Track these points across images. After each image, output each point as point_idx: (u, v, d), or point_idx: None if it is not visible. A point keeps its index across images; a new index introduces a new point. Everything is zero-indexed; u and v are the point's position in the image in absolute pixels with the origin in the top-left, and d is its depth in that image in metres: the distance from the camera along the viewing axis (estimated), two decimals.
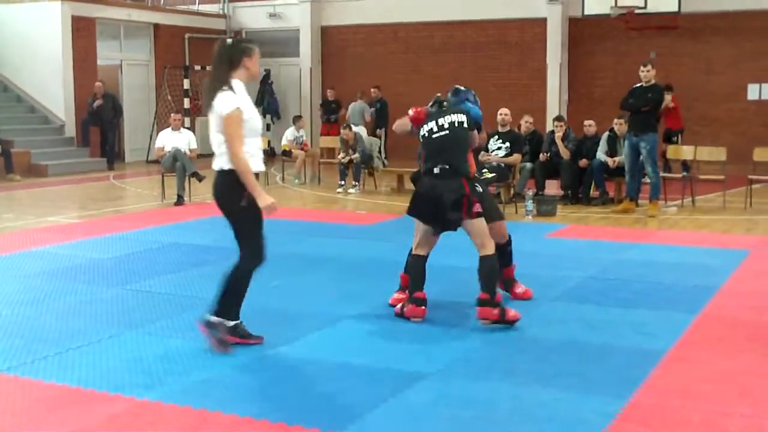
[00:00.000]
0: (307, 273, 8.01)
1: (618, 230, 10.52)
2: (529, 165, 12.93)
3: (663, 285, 7.47)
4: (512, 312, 6.17)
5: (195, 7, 23.09)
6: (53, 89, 19.17)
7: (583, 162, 12.75)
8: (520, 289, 7.08)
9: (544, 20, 19.73)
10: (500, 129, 12.41)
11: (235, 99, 5.42)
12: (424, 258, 6.52)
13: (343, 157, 14.89)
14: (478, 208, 6.25)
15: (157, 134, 14.63)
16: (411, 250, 6.75)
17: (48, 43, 18.98)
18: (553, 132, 13.20)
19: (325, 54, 22.37)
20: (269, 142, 19.19)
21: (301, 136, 16.56)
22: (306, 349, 5.65)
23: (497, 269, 6.32)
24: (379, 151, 15.53)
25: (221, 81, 5.50)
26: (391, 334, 6.04)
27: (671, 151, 14.20)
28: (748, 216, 11.53)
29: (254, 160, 5.48)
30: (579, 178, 12.84)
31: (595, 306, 6.77)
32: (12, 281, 7.69)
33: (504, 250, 6.93)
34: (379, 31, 21.57)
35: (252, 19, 23.15)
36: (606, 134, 12.72)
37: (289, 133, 16.45)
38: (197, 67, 21.40)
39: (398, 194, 14.10)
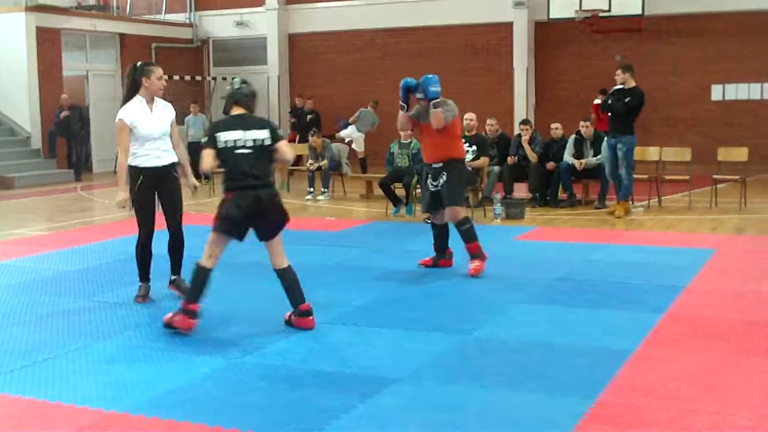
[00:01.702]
0: (276, 280, 7.96)
1: (585, 232, 10.60)
2: (497, 168, 13.00)
3: (630, 285, 7.54)
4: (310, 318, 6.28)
5: (161, 17, 23.01)
6: (19, 101, 19.02)
7: (550, 165, 12.83)
8: (473, 264, 8.02)
9: (510, 24, 19.86)
10: (466, 133, 12.45)
11: (121, 111, 6.95)
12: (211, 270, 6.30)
13: (311, 164, 14.89)
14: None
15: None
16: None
17: (13, 55, 18.83)
18: (520, 135, 13.28)
19: (293, 62, 22.37)
20: None
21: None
22: (274, 357, 5.64)
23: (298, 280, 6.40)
24: (347, 158, 15.53)
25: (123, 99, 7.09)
26: (360, 340, 6.04)
27: (638, 151, 14.29)
28: (713, 215, 11.65)
29: (145, 158, 6.97)
30: (546, 180, 12.93)
31: (563, 307, 6.82)
32: None
33: (459, 229, 8.09)
34: (346, 38, 21.61)
35: (218, 27, 23.11)
36: (572, 137, 12.82)
37: None
38: (164, 77, 21.25)
39: (367, 200, 14.12)
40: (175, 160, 7.20)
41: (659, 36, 18.57)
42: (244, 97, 6.40)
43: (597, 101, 15.89)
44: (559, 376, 5.17)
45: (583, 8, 17.94)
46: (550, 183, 12.91)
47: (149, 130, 6.97)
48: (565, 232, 10.64)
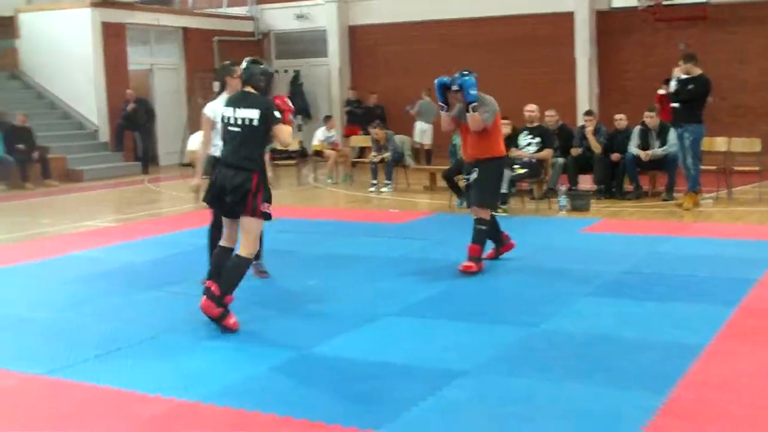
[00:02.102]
0: (342, 272, 8.04)
1: (652, 224, 10.45)
2: (561, 160, 12.87)
3: (699, 278, 7.42)
4: (233, 320, 6.10)
5: (223, 10, 23.21)
6: (86, 95, 19.35)
7: (615, 156, 12.67)
8: (464, 263, 7.76)
9: (571, 14, 19.62)
10: (528, 125, 12.36)
11: (207, 106, 7.47)
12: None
13: (374, 156, 14.91)
14: (264, 207, 6.19)
15: (190, 137, 14.71)
16: None
17: (80, 50, 19.16)
18: (583, 127, 13.14)
19: (354, 53, 22.41)
20: (301, 142, 19.26)
21: (332, 136, 16.61)
22: (343, 348, 5.68)
23: (242, 275, 6.19)
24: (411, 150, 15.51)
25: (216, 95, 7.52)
26: (427, 332, 6.05)
27: (706, 141, 14.05)
28: None
29: (219, 149, 6.88)
30: (612, 172, 12.77)
31: (631, 300, 6.73)
32: (51, 286, 7.79)
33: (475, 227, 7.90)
34: (407, 29, 21.55)
35: (279, 20, 23.23)
36: (637, 127, 12.63)
37: (320, 134, 16.52)
38: None
39: (431, 192, 14.09)
40: None
41: (724, 23, 18.17)
42: (251, 76, 6.32)
43: (661, 91, 15.62)
44: (629, 370, 5.12)
45: None
46: (615, 174, 12.75)
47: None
48: (631, 224, 10.51)
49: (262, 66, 6.41)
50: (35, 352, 5.79)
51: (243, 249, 6.16)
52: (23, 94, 19.70)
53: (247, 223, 6.14)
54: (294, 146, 18.40)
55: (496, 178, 8.18)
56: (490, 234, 8.10)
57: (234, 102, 6.28)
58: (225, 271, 6.14)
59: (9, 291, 7.66)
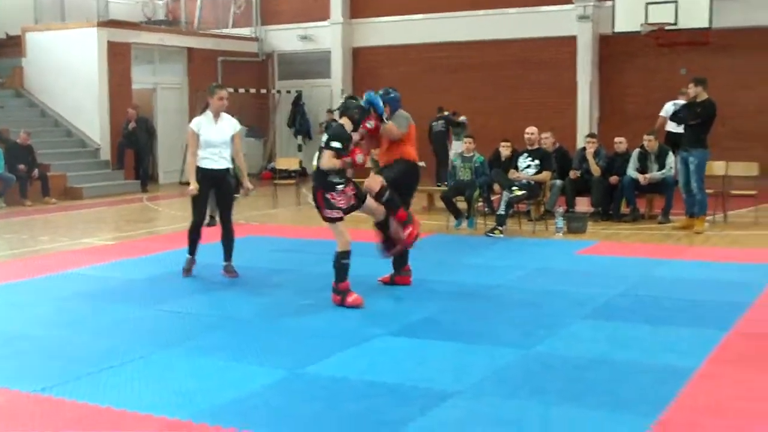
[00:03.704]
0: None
1: (648, 247, 10.48)
2: (559, 182, 12.92)
3: (693, 301, 7.44)
4: (352, 298, 7.35)
5: (228, 31, 23.36)
6: (89, 113, 19.46)
7: (613, 178, 12.72)
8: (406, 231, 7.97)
9: (574, 38, 19.73)
10: (528, 147, 12.41)
11: (192, 121, 8.71)
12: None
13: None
14: (328, 214, 7.44)
15: None
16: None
17: (84, 68, 19.29)
18: (584, 149, 13.19)
19: (357, 75, 22.52)
20: (301, 162, 19.31)
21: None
22: (335, 368, 5.68)
23: (341, 265, 7.43)
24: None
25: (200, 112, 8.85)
26: (421, 353, 6.06)
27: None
28: None
29: (205, 161, 8.58)
30: (609, 194, 12.81)
31: (625, 323, 6.74)
32: (47, 303, 7.81)
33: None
34: (411, 51, 21.67)
35: (283, 41, 23.37)
36: (637, 151, 12.69)
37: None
38: (230, 90, 21.55)
39: (429, 212, 14.12)
40: (231, 166, 8.82)
41: (726, 49, 18.26)
42: (347, 109, 7.67)
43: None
44: (622, 392, 5.12)
45: (649, 21, 17.74)
46: (613, 197, 12.79)
47: (210, 137, 8.57)
48: (627, 246, 10.53)
49: (356, 101, 7.76)
50: (28, 370, 5.79)
51: (337, 246, 7.44)
52: (27, 112, 19.83)
53: (329, 226, 7.52)
54: (294, 166, 18.49)
55: (405, 175, 8.22)
56: (405, 255, 8.28)
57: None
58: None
59: (5, 307, 7.67)
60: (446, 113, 18.39)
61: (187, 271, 8.87)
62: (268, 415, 4.86)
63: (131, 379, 5.54)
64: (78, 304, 7.71)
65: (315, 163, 7.54)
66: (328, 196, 7.41)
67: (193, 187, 8.52)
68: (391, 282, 8.36)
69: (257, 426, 4.64)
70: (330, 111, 21.08)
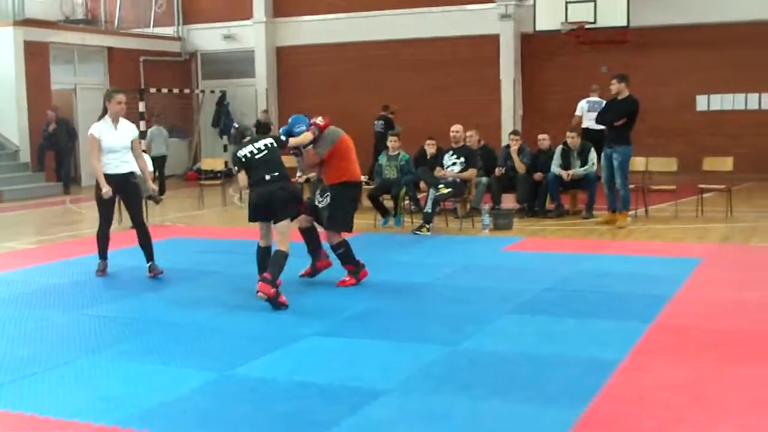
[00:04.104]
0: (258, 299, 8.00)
1: (573, 242, 10.65)
2: (485, 179, 13.04)
3: (617, 295, 7.58)
4: (284, 297, 7.25)
5: (149, 30, 23.03)
6: (7, 115, 19.01)
7: (538, 175, 12.89)
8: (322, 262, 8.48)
9: (496, 36, 19.96)
10: (453, 145, 12.51)
11: (92, 127, 8.67)
12: (268, 248, 7.70)
13: (300, 177, 14.87)
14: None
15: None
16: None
17: (1, 69, 18.83)
18: (508, 146, 13.34)
19: (281, 74, 22.42)
20: (226, 162, 19.15)
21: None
22: (264, 369, 5.66)
23: (284, 265, 7.36)
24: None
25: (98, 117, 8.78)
26: (350, 352, 6.06)
27: None
28: (699, 224, 11.71)
29: (108, 166, 8.63)
30: (534, 191, 12.99)
31: (551, 317, 6.85)
32: None
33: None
34: (333, 51, 21.67)
35: (206, 40, 23.15)
36: (560, 147, 12.88)
37: None
38: (152, 90, 21.32)
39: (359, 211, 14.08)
40: (134, 169, 8.91)
41: (645, 47, 18.69)
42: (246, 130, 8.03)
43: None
44: (548, 386, 5.20)
45: (569, 20, 18.08)
46: (538, 194, 12.97)
47: (112, 143, 8.63)
48: (552, 242, 10.69)
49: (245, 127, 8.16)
50: None
51: (283, 245, 7.44)
52: None
53: (284, 224, 7.52)
54: (219, 166, 18.33)
55: (348, 201, 8.39)
56: (317, 241, 8.50)
57: (248, 142, 7.74)
58: (272, 261, 7.35)
59: None
60: (389, 113, 18.27)
61: (102, 271, 8.95)
62: (196, 418, 4.81)
63: (56, 385, 5.43)
64: None
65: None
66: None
67: (106, 189, 8.56)
68: (313, 272, 8.47)
69: (186, 429, 4.60)
70: (265, 111, 20.95)
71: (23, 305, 7.72)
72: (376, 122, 18.13)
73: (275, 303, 7.23)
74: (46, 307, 7.61)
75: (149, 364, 5.81)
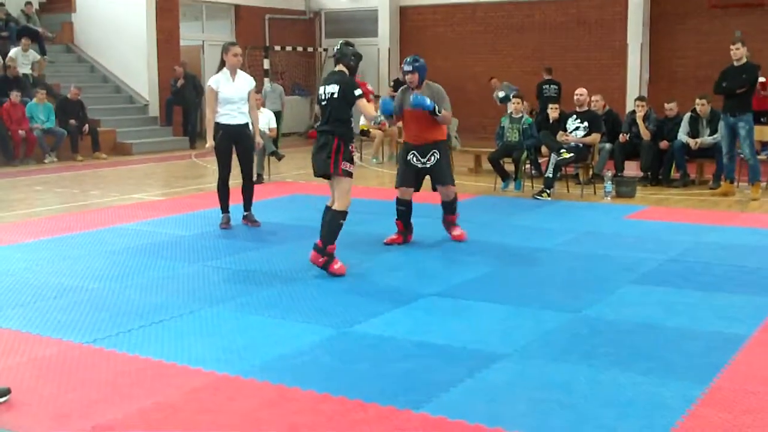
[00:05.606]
0: (385, 252, 8.06)
1: (699, 212, 10.32)
2: (608, 145, 12.75)
3: (745, 268, 7.32)
4: (338, 266, 7.01)
5: None
6: (138, 70, 19.55)
7: (663, 143, 12.52)
8: (456, 231, 8.50)
9: None
10: (577, 109, 12.24)
11: (210, 79, 8.98)
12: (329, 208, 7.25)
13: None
14: (345, 166, 7.05)
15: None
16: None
17: (132, 25, 19.35)
18: (633, 112, 12.99)
19: (404, 34, 22.35)
20: None
21: (379, 116, 16.54)
22: (384, 327, 5.69)
23: (338, 225, 7.07)
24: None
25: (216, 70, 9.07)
26: (469, 314, 6.04)
27: (758, 132, 13.80)
28: None
29: (225, 117, 8.88)
30: (659, 159, 12.62)
31: (675, 289, 6.66)
32: (98, 257, 7.91)
33: (449, 204, 8.45)
34: (458, 11, 21.46)
35: None
36: (688, 115, 12.46)
37: None
38: (277, 48, 21.57)
39: (476, 174, 14.04)
40: (249, 120, 9.10)
41: None
42: (343, 56, 7.32)
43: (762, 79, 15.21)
44: (672, 359, 5.07)
45: None
46: (663, 162, 12.60)
47: (229, 94, 8.89)
48: (677, 212, 10.38)
49: (352, 48, 7.36)
50: (80, 322, 5.88)
51: (337, 204, 7.09)
52: (77, 67, 19.98)
53: (336, 181, 7.08)
54: None
55: (449, 159, 8.65)
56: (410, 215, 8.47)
57: (324, 80, 7.29)
58: (324, 224, 7.07)
59: (58, 260, 7.78)
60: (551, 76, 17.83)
61: (226, 224, 9.21)
62: (316, 372, 4.88)
63: (181, 333, 5.60)
64: (128, 259, 7.80)
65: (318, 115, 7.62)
66: (350, 147, 7.20)
67: (210, 144, 8.87)
68: (404, 241, 8.42)
69: (305, 383, 4.66)
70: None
71: (151, 255, 7.97)
72: (545, 87, 17.57)
73: (328, 271, 7.06)
74: (172, 258, 7.84)
75: (270, 318, 5.93)
